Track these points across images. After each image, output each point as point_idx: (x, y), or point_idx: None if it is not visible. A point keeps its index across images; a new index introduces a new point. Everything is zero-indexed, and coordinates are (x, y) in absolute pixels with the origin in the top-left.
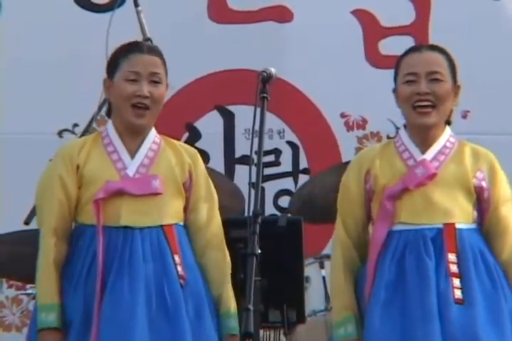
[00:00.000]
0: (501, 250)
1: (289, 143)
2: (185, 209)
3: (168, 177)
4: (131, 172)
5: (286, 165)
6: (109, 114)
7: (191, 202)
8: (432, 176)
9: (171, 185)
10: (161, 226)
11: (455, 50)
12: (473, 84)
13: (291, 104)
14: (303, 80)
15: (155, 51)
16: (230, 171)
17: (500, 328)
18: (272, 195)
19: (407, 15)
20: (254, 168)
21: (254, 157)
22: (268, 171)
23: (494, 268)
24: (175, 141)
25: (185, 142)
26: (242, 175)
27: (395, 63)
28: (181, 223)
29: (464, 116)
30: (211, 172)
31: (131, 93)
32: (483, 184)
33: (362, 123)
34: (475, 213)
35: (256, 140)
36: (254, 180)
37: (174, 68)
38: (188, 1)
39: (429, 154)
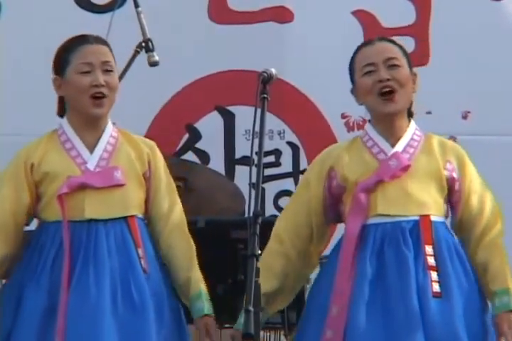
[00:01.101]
0: (473, 231)
1: (290, 143)
2: (147, 200)
3: (128, 169)
4: (91, 166)
5: (286, 165)
6: (60, 113)
7: (151, 191)
8: (406, 168)
9: (132, 177)
10: (125, 218)
11: (456, 51)
12: (474, 85)
13: (291, 104)
14: (303, 81)
15: (101, 40)
16: (230, 172)
17: (475, 320)
18: (272, 196)
19: (407, 16)
20: (254, 169)
21: (255, 158)
22: (268, 172)
23: (467, 261)
24: (132, 134)
25: (186, 143)
26: (243, 176)
27: (349, 62)
28: (141, 215)
29: (465, 117)
30: (212, 172)
31: (88, 84)
32: (454, 175)
33: (362, 124)
34: (445, 206)
35: (256, 140)
36: (254, 180)
37: (174, 69)
38: (188, 1)
39: (399, 146)
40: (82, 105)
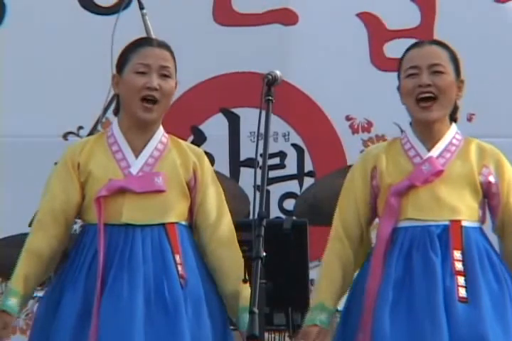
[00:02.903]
0: None
1: (294, 145)
2: (192, 209)
3: (171, 176)
4: (134, 170)
5: (291, 167)
6: (116, 111)
7: (197, 201)
8: (439, 173)
9: (174, 184)
10: (163, 224)
11: (460, 53)
12: (479, 87)
13: (296, 106)
14: (308, 83)
15: (165, 46)
16: (235, 174)
17: (507, 327)
18: (277, 198)
19: (412, 18)
20: (259, 171)
21: (260, 160)
22: (273, 174)
23: (499, 267)
24: (181, 141)
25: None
26: (247, 178)
27: (399, 61)
28: (184, 222)
29: (469, 119)
30: (216, 175)
31: (141, 85)
32: (491, 179)
33: (367, 126)
34: (480, 212)
35: (261, 142)
36: (259, 182)
37: (179, 71)
38: (194, 3)
39: (435, 151)
40: (132, 106)
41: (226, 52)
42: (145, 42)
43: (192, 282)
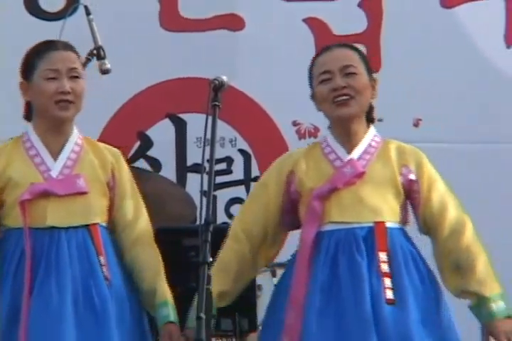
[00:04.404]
0: (441, 229)
1: (241, 151)
2: (110, 209)
3: (91, 178)
4: (54, 173)
5: (238, 173)
6: (27, 117)
7: (116, 200)
8: (361, 175)
9: (95, 185)
10: (87, 226)
11: (407, 59)
12: (425, 93)
13: (242, 112)
14: (255, 88)
15: (70, 46)
16: (181, 179)
17: (432, 328)
18: (223, 203)
19: (359, 24)
20: (206, 176)
21: (206, 165)
22: (220, 179)
23: (424, 268)
24: (97, 142)
25: (137, 150)
26: (194, 184)
27: (308, 67)
28: (104, 224)
29: (416, 125)
30: (163, 180)
31: (53, 90)
32: (411, 177)
33: (314, 131)
34: (403, 213)
35: (208, 148)
36: (205, 188)
37: (126, 76)
38: (140, 9)
39: (355, 153)
40: (47, 109)
41: (173, 57)
42: (49, 46)
43: (115, 283)
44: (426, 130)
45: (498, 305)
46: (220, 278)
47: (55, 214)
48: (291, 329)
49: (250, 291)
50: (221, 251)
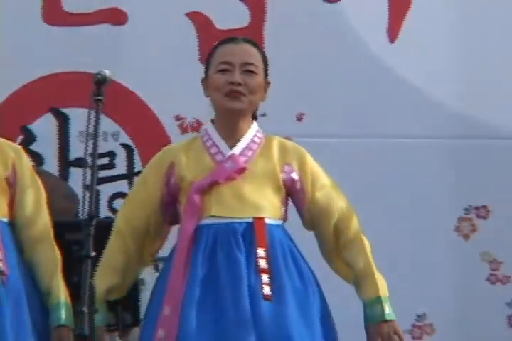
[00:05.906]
0: (327, 227)
1: (124, 145)
2: (11, 204)
3: None
4: None
5: (121, 167)
6: None
7: (16, 197)
8: (241, 170)
9: None
10: None
11: (290, 53)
12: (308, 87)
13: (125, 106)
14: (138, 83)
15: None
16: (64, 173)
17: (310, 324)
18: (106, 198)
19: (241, 18)
20: (88, 171)
21: (89, 159)
22: (103, 174)
23: (302, 264)
24: None
25: (20, 144)
26: (77, 178)
27: (208, 53)
28: (5, 219)
29: (299, 119)
30: (45, 174)
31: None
32: (294, 176)
33: (196, 126)
34: (283, 209)
35: (90, 142)
36: (88, 182)
37: (8, 70)
38: (22, 2)
39: (237, 149)
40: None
41: (56, 51)
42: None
43: (13, 279)
44: (309, 124)
45: (389, 308)
46: (108, 273)
47: None
48: (168, 322)
49: (133, 285)
50: (106, 246)
